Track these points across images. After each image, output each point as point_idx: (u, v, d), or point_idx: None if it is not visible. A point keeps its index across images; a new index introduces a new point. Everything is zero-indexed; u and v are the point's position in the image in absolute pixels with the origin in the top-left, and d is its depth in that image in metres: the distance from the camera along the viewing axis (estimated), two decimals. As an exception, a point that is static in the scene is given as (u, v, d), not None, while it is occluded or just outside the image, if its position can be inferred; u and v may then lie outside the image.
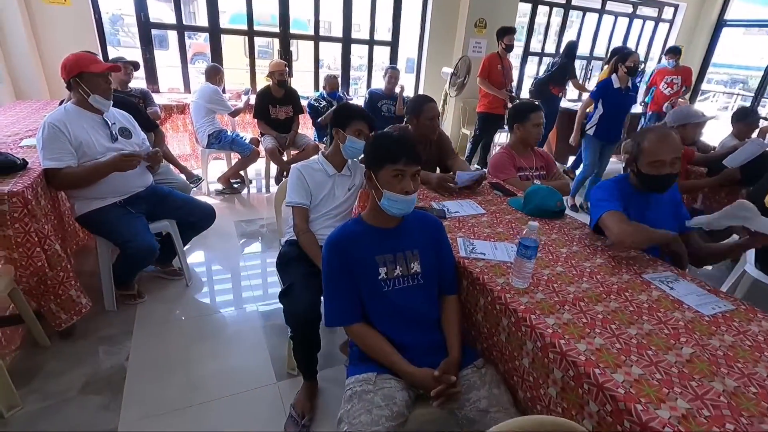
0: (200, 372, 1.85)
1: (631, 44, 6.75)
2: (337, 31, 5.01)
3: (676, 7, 6.81)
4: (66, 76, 1.96)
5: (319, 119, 4.08)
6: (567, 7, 6.02)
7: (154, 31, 4.20)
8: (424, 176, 2.09)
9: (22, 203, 1.66)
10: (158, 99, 3.93)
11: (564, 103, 5.42)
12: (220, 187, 3.86)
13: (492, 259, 1.41)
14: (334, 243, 1.27)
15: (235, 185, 3.92)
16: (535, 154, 2.40)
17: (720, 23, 6.97)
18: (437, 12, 5.20)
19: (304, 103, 4.14)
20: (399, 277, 1.29)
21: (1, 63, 3.43)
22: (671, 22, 6.98)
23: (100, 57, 3.94)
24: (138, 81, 3.74)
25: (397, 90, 4.27)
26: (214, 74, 3.82)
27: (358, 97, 5.04)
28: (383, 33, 5.23)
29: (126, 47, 8.45)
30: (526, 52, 6.14)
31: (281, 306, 1.59)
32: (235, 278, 2.65)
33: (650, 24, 6.94)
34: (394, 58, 5.36)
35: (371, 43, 5.16)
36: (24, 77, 3.60)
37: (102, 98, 1.99)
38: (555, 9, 6.07)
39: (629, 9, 6.56)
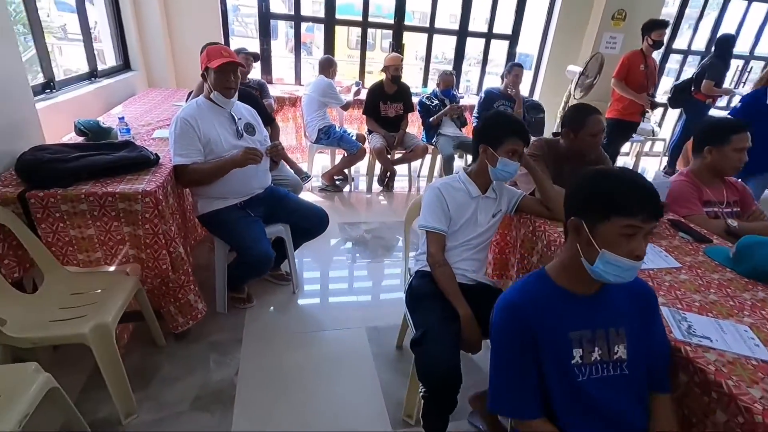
0: (308, 398, 1.69)
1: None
2: (440, 23, 4.62)
3: None
4: (201, 67, 1.90)
5: (430, 119, 3.79)
6: (729, -5, 5.03)
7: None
8: None
9: (154, 203, 1.59)
10: (271, 90, 3.93)
11: (714, 111, 4.56)
12: (322, 183, 3.77)
13: (724, 349, 1.01)
14: (515, 307, 0.97)
15: (338, 182, 3.80)
16: (726, 184, 1.87)
17: None
18: (568, 1, 4.60)
19: (414, 100, 3.89)
20: (597, 363, 0.96)
21: (138, 51, 3.62)
22: None
23: (222, 41, 4.07)
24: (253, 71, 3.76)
25: (521, 91, 3.84)
26: (328, 66, 3.70)
27: (469, 95, 4.65)
28: (499, 25, 4.77)
29: (239, 36, 8.88)
30: (668, 49, 5.26)
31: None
32: (341, 289, 2.50)
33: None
34: (512, 53, 4.87)
35: (489, 36, 4.73)
36: (156, 66, 3.78)
37: (221, 96, 1.90)
38: (712, -2, 5.11)
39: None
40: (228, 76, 1.88)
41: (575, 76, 4.37)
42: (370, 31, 6.95)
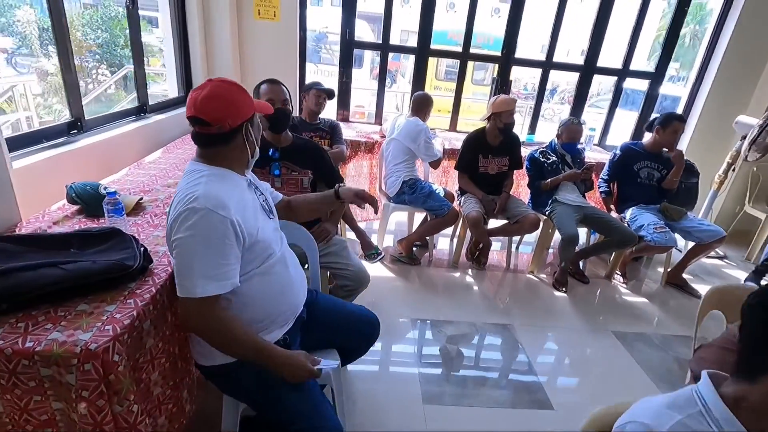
0: None
1: None
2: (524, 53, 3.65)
3: None
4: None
5: (543, 181, 2.86)
6: None
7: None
8: None
9: (100, 374, 0.88)
10: (346, 132, 3.27)
11: None
12: (396, 252, 2.97)
13: None
14: None
15: (415, 250, 2.98)
16: None
17: None
18: (741, 33, 3.44)
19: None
20: None
21: (204, 79, 3.17)
22: None
23: (297, 75, 3.53)
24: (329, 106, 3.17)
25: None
26: (425, 106, 2.95)
27: (591, 147, 3.62)
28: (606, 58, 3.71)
29: (326, 65, 8.62)
30: None
31: None
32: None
33: None
34: (653, 96, 3.78)
35: (623, 74, 3.70)
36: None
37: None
38: None
39: None
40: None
41: (750, 131, 3.18)
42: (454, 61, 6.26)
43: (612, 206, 3.03)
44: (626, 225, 2.80)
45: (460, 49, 3.58)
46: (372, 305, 1.61)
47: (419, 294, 2.61)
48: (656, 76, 3.69)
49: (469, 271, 2.95)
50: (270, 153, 1.87)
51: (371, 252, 2.39)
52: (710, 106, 3.65)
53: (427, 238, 2.99)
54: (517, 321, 2.42)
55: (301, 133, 2.71)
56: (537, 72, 3.85)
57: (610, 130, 3.91)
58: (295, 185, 1.92)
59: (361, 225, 3.22)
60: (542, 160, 2.90)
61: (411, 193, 2.81)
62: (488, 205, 2.80)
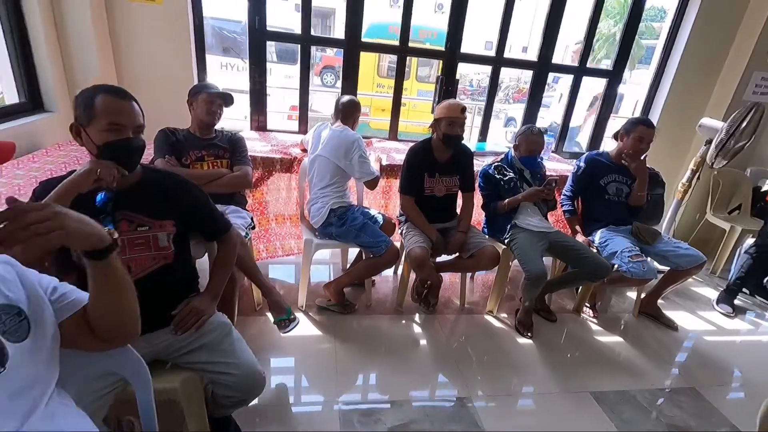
0: None
1: None
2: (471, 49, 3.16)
3: None
4: None
5: (497, 203, 2.37)
6: None
7: (279, 45, 2.94)
8: None
9: None
10: (259, 146, 2.60)
11: None
12: (323, 300, 2.35)
13: None
14: None
15: (347, 303, 2.37)
16: None
17: None
18: (700, 30, 3.15)
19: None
20: None
21: (56, 81, 2.37)
22: None
23: (194, 73, 2.80)
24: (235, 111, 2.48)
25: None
26: (354, 112, 2.37)
27: (549, 157, 3.19)
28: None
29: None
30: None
31: None
32: None
33: None
34: (611, 97, 3.42)
35: (580, 72, 3.30)
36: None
37: None
38: None
39: None
40: None
41: (716, 135, 2.88)
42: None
43: (578, 227, 2.60)
44: (597, 251, 2.38)
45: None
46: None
47: (350, 360, 2.01)
48: (614, 75, 3.32)
49: (417, 316, 2.40)
50: (98, 200, 1.19)
51: (281, 318, 1.75)
52: (670, 108, 3.36)
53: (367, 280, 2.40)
54: (476, 390, 1.89)
55: (188, 152, 2.02)
56: (481, 68, 3.37)
57: (568, 135, 3.53)
58: (145, 246, 1.25)
59: (275, 272, 2.61)
60: (498, 176, 2.39)
61: (340, 225, 2.21)
62: (437, 240, 2.26)
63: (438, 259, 2.41)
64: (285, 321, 1.77)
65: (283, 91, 7.02)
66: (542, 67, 3.18)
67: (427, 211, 2.31)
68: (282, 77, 8.06)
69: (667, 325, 2.55)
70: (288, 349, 2.02)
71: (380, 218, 2.36)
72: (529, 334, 2.30)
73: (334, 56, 11.30)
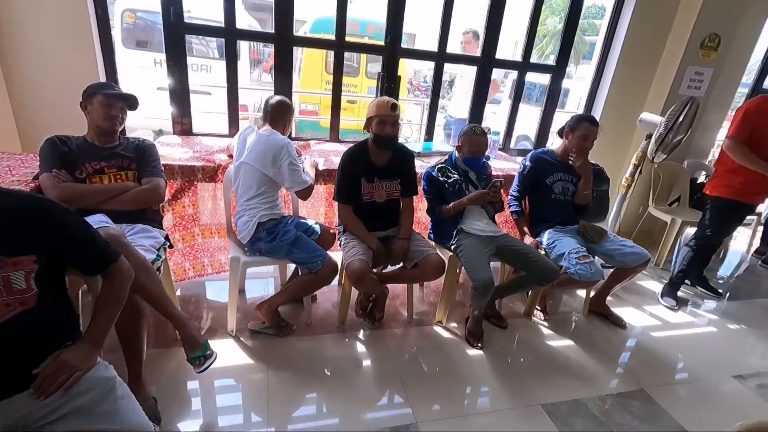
0: None
1: None
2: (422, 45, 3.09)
3: None
4: None
5: (441, 208, 2.23)
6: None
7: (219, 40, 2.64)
8: None
9: None
10: (179, 152, 2.32)
11: None
12: (256, 324, 2.12)
13: None
14: None
15: (283, 324, 2.15)
16: None
17: None
18: (636, 27, 3.17)
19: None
20: None
21: None
22: None
23: (100, 69, 2.47)
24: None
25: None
26: (284, 114, 2.14)
27: (495, 153, 3.10)
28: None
29: (199, 57, 7.20)
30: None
31: None
32: None
33: None
34: (555, 92, 3.39)
35: (524, 67, 3.24)
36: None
37: None
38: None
39: None
40: None
41: (655, 129, 2.90)
42: (352, 55, 5.49)
43: (526, 228, 2.51)
44: (545, 254, 2.30)
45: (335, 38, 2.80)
46: None
47: (283, 389, 1.80)
48: (557, 70, 3.29)
49: (361, 332, 2.23)
50: None
51: (195, 355, 1.51)
52: (612, 103, 3.37)
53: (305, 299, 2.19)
54: (423, 413, 1.74)
55: (83, 164, 1.73)
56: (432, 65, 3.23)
57: (514, 131, 3.47)
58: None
59: (209, 292, 2.36)
60: (442, 179, 2.26)
61: (269, 240, 1.99)
62: (378, 249, 2.09)
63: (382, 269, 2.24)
64: (200, 358, 1.53)
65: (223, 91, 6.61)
66: (485, 62, 3.08)
67: (367, 219, 2.14)
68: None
69: (617, 324, 2.52)
70: (212, 385, 1.78)
71: (318, 229, 2.16)
72: (479, 344, 2.18)
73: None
